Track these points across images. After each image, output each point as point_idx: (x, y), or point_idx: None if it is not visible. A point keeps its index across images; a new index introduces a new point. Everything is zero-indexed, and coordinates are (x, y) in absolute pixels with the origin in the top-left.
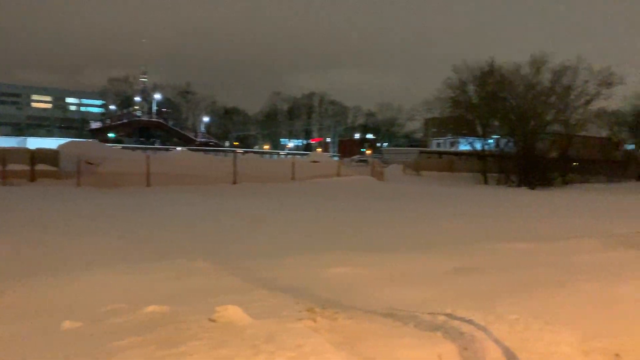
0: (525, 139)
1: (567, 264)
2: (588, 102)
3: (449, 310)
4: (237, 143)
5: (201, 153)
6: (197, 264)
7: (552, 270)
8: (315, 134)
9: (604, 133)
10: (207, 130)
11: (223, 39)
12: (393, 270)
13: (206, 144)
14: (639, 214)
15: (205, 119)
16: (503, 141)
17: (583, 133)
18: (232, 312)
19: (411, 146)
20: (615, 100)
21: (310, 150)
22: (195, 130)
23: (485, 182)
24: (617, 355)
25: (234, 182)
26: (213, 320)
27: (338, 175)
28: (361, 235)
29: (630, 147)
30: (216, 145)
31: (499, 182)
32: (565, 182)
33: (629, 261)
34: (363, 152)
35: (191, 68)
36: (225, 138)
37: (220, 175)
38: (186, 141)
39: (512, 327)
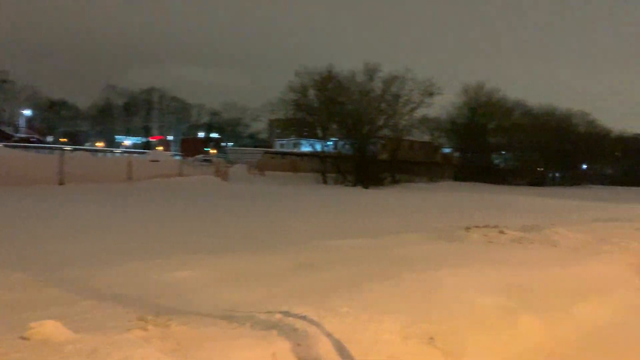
0: (360, 142)
1: (394, 257)
2: (413, 110)
3: (285, 308)
4: (65, 140)
5: (20, 150)
6: (11, 275)
7: (381, 264)
8: (155, 132)
9: (426, 137)
10: (29, 125)
11: (50, 25)
12: (233, 271)
13: (27, 140)
14: (454, 209)
15: (27, 112)
16: (341, 143)
17: (409, 137)
18: (50, 328)
19: (256, 146)
20: (435, 109)
21: (149, 149)
22: (13, 125)
23: (325, 182)
24: (431, 338)
25: (61, 183)
26: (26, 338)
27: (180, 175)
28: (201, 237)
29: (447, 150)
30: (39, 141)
31: (337, 182)
32: (395, 182)
33: (446, 252)
34: (207, 152)
35: (9, 55)
36: (51, 134)
37: (45, 175)
38: (2, 137)
39: (342, 319)
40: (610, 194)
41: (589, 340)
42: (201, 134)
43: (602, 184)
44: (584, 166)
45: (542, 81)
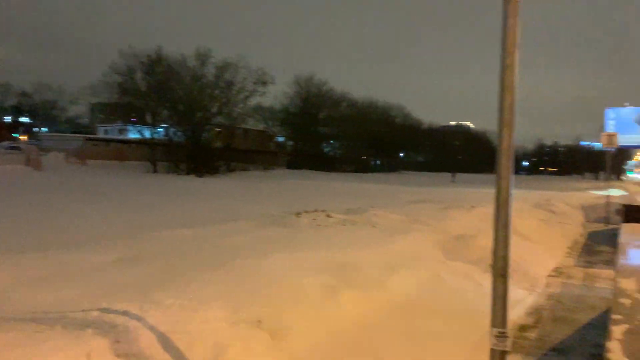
0: (193, 129)
1: (226, 245)
2: (247, 98)
3: (104, 305)
4: None
5: None
6: None
7: (212, 252)
8: None
9: (260, 126)
10: None
11: None
12: (45, 270)
13: None
14: (287, 196)
15: None
16: (172, 130)
17: (244, 126)
18: None
19: (75, 132)
20: (269, 98)
21: None
22: None
23: (156, 170)
24: (259, 321)
25: None
26: None
27: None
28: (5, 235)
29: (281, 139)
30: None
31: (169, 171)
32: (230, 170)
33: (277, 238)
34: (16, 138)
35: None
36: None
37: None
38: None
39: (167, 311)
40: (422, 178)
41: (400, 308)
42: (8, 118)
43: (416, 170)
44: (401, 154)
45: (365, 75)
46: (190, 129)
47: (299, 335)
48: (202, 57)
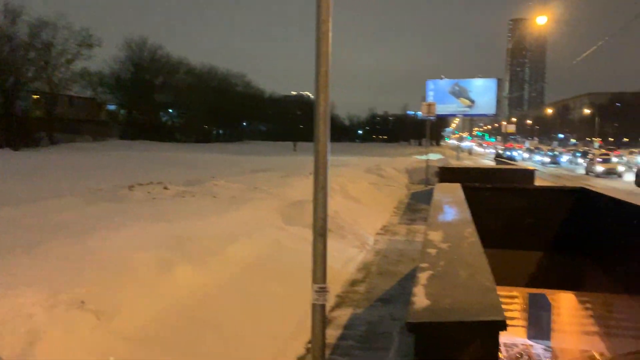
0: (6, 96)
1: (45, 224)
2: (70, 61)
3: None
4: None
5: None
6: None
7: (27, 233)
8: None
9: (88, 93)
10: None
11: None
12: None
13: None
14: (119, 169)
15: None
16: None
17: (68, 93)
18: None
19: None
20: (97, 62)
21: None
22: None
23: None
24: (82, 302)
25: None
26: None
27: None
28: None
29: (113, 107)
30: None
31: None
32: (53, 142)
33: (107, 214)
34: None
35: None
36: None
37: None
38: None
39: None
40: (265, 148)
41: (239, 276)
42: None
43: (259, 139)
44: (245, 123)
45: (203, 41)
46: (1, 96)
47: (130, 314)
48: (12, 14)
